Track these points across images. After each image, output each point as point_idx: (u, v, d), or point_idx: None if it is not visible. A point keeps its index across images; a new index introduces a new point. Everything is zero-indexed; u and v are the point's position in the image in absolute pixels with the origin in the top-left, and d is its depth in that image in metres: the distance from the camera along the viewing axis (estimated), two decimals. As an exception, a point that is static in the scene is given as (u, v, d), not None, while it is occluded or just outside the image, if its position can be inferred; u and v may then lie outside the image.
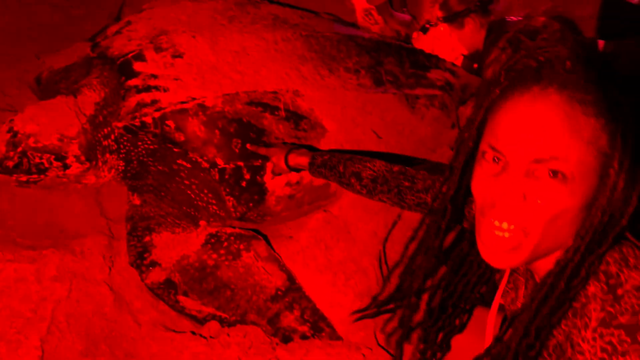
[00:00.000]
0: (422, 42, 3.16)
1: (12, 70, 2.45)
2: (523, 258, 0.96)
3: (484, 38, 2.95)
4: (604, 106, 0.90)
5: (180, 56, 1.97)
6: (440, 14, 3.02)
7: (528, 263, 1.02)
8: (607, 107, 0.90)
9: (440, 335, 1.31)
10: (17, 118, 1.92)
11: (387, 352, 1.81)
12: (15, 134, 1.89)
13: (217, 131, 1.92)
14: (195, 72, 1.96)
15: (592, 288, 0.91)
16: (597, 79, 0.92)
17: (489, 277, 1.28)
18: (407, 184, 1.50)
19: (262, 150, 1.94)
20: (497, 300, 1.22)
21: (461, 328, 1.34)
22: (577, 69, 0.94)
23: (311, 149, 1.92)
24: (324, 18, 2.52)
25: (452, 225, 1.22)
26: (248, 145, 1.94)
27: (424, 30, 3.13)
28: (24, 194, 2.06)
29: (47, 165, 1.92)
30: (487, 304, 1.28)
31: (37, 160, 1.90)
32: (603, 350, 0.85)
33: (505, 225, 0.94)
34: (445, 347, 1.32)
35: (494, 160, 0.96)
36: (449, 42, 3.13)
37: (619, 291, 0.88)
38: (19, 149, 1.88)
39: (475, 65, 3.05)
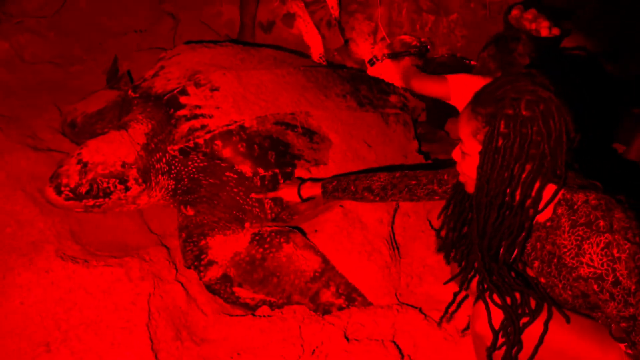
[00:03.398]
0: (369, 72, 3.77)
1: (40, 119, 2.68)
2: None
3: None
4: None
5: (217, 89, 2.36)
6: (386, 51, 3.66)
7: None
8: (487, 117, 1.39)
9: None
10: (83, 151, 2.18)
11: (411, 306, 2.24)
12: (85, 165, 2.15)
13: (255, 146, 2.31)
14: (231, 101, 2.35)
15: (560, 210, 1.46)
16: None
17: None
18: (413, 182, 1.94)
19: (271, 194, 2.31)
20: None
21: None
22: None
23: (313, 180, 2.28)
24: (306, 57, 3.03)
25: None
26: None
27: (372, 62, 3.76)
28: (86, 219, 2.31)
29: (112, 189, 2.19)
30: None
31: (105, 185, 2.17)
32: (576, 239, 1.39)
33: None
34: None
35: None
36: (391, 75, 3.77)
37: (575, 207, 1.43)
38: (90, 176, 2.14)
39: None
